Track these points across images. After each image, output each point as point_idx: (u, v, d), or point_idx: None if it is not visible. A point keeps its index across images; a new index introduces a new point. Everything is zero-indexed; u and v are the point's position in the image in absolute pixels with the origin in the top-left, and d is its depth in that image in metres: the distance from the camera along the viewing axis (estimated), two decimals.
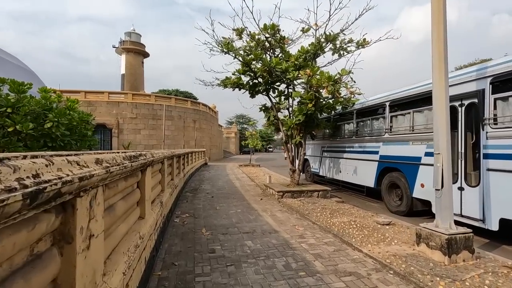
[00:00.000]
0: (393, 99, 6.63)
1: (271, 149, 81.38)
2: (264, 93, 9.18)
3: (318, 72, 6.77)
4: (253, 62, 8.26)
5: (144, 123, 24.60)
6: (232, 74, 8.88)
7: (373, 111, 7.66)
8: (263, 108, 9.61)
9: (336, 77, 6.36)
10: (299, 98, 7.76)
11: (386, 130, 6.79)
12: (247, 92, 9.26)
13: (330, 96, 7.25)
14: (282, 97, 9.60)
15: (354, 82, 6.50)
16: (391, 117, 6.69)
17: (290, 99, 9.10)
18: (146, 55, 50.99)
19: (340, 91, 7.14)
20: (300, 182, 9.09)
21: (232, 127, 66.54)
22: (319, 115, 8.57)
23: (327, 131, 10.14)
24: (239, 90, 9.24)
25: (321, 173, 10.65)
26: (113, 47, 49.62)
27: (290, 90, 9.46)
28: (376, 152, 7.03)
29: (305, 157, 12.57)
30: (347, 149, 8.62)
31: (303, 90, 7.97)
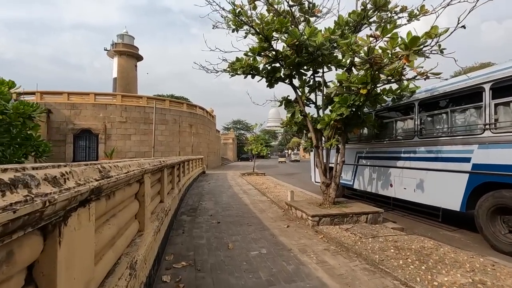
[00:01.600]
0: (500, 79, 4.37)
1: (269, 155, 78.92)
2: (286, 81, 6.89)
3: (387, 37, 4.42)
4: (275, 35, 5.96)
5: (135, 127, 22.13)
6: (245, 54, 6.58)
7: (454, 99, 5.37)
8: (285, 101, 7.29)
9: (423, 40, 4.07)
10: (342, 83, 5.43)
11: (487, 126, 4.51)
12: (264, 79, 6.96)
13: (391, 77, 4.94)
14: (306, 88, 7.32)
15: (442, 52, 4.23)
16: (496, 105, 4.42)
17: (324, 90, 6.79)
18: (139, 58, 48.68)
19: (404, 70, 4.83)
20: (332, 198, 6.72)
21: (229, 132, 64.22)
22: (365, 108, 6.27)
23: (365, 131, 7.85)
24: (253, 77, 6.93)
25: (355, 186, 8.31)
26: (104, 49, 47.24)
27: (318, 78, 7.19)
28: (466, 160, 4.73)
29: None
30: (403, 155, 6.30)
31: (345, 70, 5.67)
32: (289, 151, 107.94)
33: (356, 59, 5.05)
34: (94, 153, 21.24)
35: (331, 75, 7.23)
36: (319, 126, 6.06)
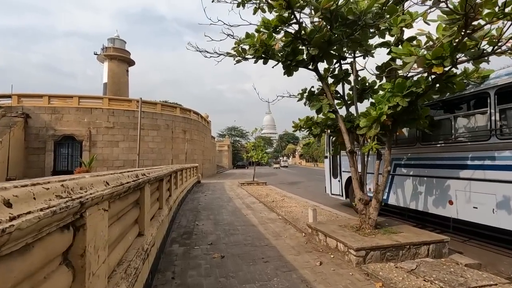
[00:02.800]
0: None
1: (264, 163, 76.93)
2: (310, 66, 5.30)
3: None
4: (300, 2, 4.37)
5: (123, 133, 20.28)
6: (256, 30, 4.97)
7: None
8: (307, 94, 5.67)
9: None
10: (403, 60, 3.82)
11: None
12: (280, 66, 5.35)
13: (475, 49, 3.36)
14: (329, 78, 5.75)
15: None
16: None
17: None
18: (131, 63, 46.93)
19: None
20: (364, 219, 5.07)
21: (224, 139, 62.52)
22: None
23: (406, 132, 6.25)
24: (265, 62, 5.32)
25: (391, 201, 6.68)
26: (95, 54, 45.33)
27: (345, 66, 5.64)
28: None
29: (346, 173, 8.66)
30: (471, 162, 4.68)
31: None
32: (284, 157, 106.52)
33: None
34: (77, 162, 19.25)
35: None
36: (362, 124, 4.43)
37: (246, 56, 5.30)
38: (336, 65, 5.57)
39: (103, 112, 19.81)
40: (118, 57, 44.76)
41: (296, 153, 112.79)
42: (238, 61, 5.52)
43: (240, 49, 5.27)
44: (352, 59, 5.55)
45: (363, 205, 5.07)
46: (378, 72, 5.08)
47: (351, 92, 5.84)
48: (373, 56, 5.54)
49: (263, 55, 5.18)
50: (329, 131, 5.95)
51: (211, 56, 5.52)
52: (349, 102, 5.86)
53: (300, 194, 12.99)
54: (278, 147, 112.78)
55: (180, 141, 23.69)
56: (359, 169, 5.33)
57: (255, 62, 5.30)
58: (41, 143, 18.47)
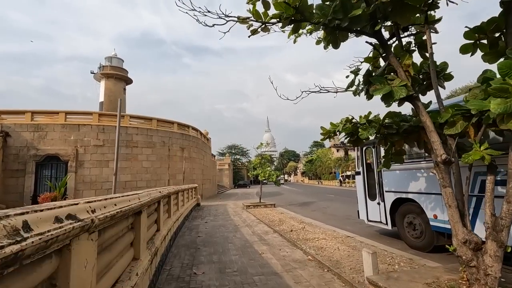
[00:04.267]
0: None
1: (265, 181, 74.45)
2: (368, 29, 3.44)
3: None
4: None
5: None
6: None
7: None
8: (365, 74, 3.78)
9: None
10: None
11: None
12: (321, 32, 3.49)
13: None
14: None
15: None
16: None
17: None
18: (128, 81, 45.74)
19: None
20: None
21: (225, 158, 60.44)
22: None
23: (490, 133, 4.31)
24: (296, 31, 3.48)
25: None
26: (91, 73, 44.26)
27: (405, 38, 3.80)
28: None
29: (390, 193, 6.62)
30: None
31: None
32: (285, 176, 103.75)
33: None
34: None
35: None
36: (496, 108, 2.46)
37: (268, 21, 3.46)
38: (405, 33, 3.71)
39: (92, 129, 17.94)
40: (115, 75, 43.61)
41: (298, 170, 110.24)
42: (254, 32, 3.67)
43: (255, 12, 3.43)
44: (424, 26, 3.68)
45: (472, 252, 3.02)
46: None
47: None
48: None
49: (293, 17, 3.33)
50: (389, 135, 3.97)
51: (213, 25, 3.67)
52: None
53: (319, 219, 10.83)
54: (279, 164, 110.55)
55: (178, 159, 21.68)
56: (451, 189, 3.31)
57: (282, 27, 3.44)
58: (20, 164, 16.43)
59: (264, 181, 17.30)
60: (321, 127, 4.90)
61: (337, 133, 4.70)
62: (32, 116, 17.20)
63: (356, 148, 7.73)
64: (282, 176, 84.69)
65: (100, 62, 46.03)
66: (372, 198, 7.31)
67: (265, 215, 12.03)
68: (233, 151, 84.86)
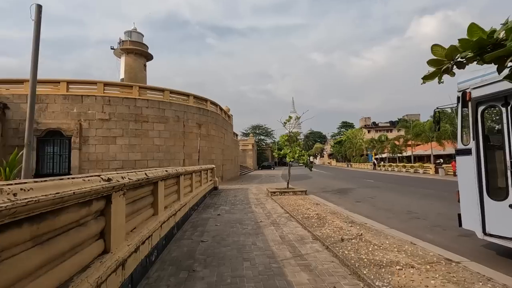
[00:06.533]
0: None
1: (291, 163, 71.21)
2: None
3: None
4: None
5: (122, 127, 16.15)
6: None
7: None
8: None
9: None
10: None
11: None
12: None
13: None
14: None
15: None
16: None
17: None
18: (149, 57, 43.76)
19: None
20: None
21: (249, 138, 57.96)
22: None
23: None
24: None
25: None
26: (111, 48, 42.72)
27: None
28: None
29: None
30: None
31: None
32: (310, 158, 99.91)
33: None
34: (66, 163, 15.42)
35: None
36: None
37: None
38: None
39: (97, 101, 15.80)
40: (135, 51, 41.65)
41: (325, 152, 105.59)
42: None
43: None
44: None
45: None
46: None
47: None
48: None
49: None
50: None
51: None
52: None
53: (372, 216, 7.80)
54: (305, 146, 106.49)
55: (194, 136, 19.22)
56: None
57: None
58: (21, 140, 14.82)
59: (291, 162, 14.27)
60: (433, 47, 1.74)
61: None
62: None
63: (461, 105, 4.48)
64: (311, 158, 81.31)
65: (120, 37, 43.81)
66: (497, 195, 4.12)
67: (296, 207, 9.19)
68: (257, 131, 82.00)
